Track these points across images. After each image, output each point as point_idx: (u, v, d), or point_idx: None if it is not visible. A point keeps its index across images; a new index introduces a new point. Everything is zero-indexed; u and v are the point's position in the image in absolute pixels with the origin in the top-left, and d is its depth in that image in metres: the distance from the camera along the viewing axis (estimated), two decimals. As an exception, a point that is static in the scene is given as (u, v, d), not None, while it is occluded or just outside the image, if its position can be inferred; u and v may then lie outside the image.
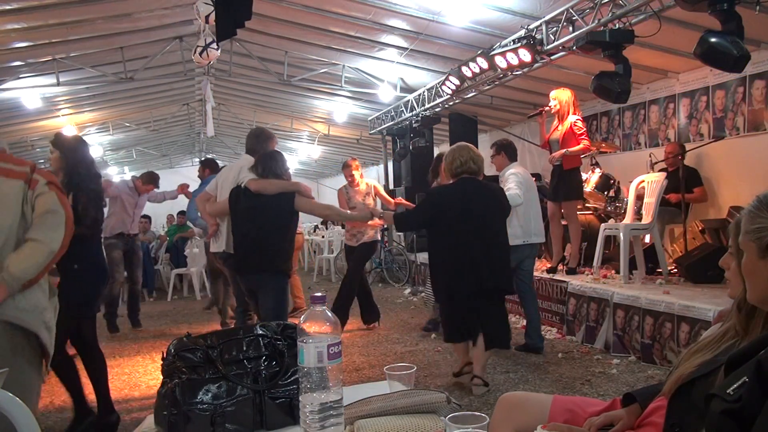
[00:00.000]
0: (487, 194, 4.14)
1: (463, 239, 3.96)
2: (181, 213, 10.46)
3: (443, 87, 7.61)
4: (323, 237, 12.09)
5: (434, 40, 6.89)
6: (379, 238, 6.42)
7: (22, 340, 2.18)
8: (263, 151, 4.14)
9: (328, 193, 19.69)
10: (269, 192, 3.83)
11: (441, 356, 5.18)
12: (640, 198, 5.85)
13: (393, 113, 9.92)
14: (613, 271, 5.82)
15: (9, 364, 2.00)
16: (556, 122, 5.90)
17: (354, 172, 6.24)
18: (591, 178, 6.52)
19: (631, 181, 6.02)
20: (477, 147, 10.30)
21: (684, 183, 5.67)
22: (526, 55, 5.81)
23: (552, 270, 6.10)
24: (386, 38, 7.14)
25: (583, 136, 5.67)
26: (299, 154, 16.14)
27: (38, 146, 11.59)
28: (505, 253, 4.22)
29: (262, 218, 3.82)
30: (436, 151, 11.58)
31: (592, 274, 5.86)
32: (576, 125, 5.67)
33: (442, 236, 4.07)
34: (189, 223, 9.16)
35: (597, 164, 6.71)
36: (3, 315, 2.10)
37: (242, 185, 3.89)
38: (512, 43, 5.95)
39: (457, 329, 4.17)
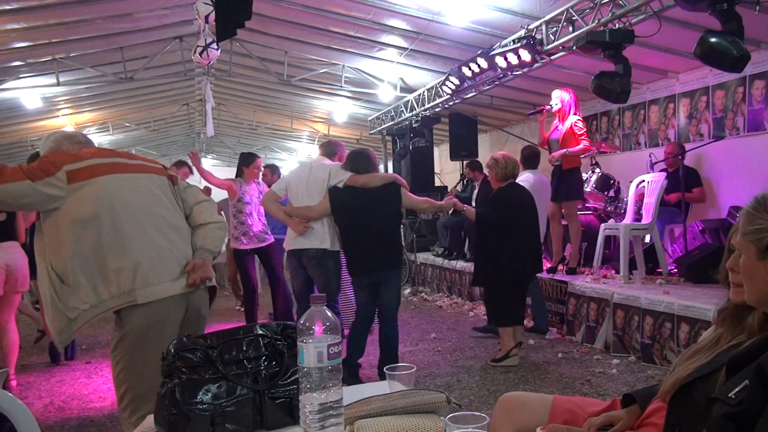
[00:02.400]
0: (530, 195, 4.93)
1: (525, 231, 4.73)
2: None
3: (443, 87, 7.60)
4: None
5: (434, 40, 6.89)
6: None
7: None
8: (331, 154, 4.60)
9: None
10: (373, 185, 4.22)
11: (441, 356, 5.18)
12: (640, 198, 5.85)
13: (393, 113, 9.91)
14: (613, 271, 5.82)
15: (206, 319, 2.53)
16: (556, 121, 5.91)
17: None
18: (591, 178, 6.53)
19: (631, 181, 6.02)
20: (477, 147, 10.34)
21: (684, 183, 5.67)
22: (526, 55, 5.81)
23: (552, 270, 6.10)
24: (386, 38, 7.14)
25: (583, 137, 5.70)
26: (299, 154, 16.13)
27: (38, 146, 11.56)
28: (540, 241, 5.21)
29: (380, 216, 4.21)
30: (436, 151, 11.63)
31: (592, 274, 5.87)
32: (576, 125, 5.69)
33: (510, 230, 4.69)
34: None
35: (597, 164, 6.71)
36: (210, 283, 2.49)
37: (340, 185, 4.23)
38: (512, 43, 5.95)
39: (521, 313, 4.86)
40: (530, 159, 5.67)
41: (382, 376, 4.11)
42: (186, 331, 2.37)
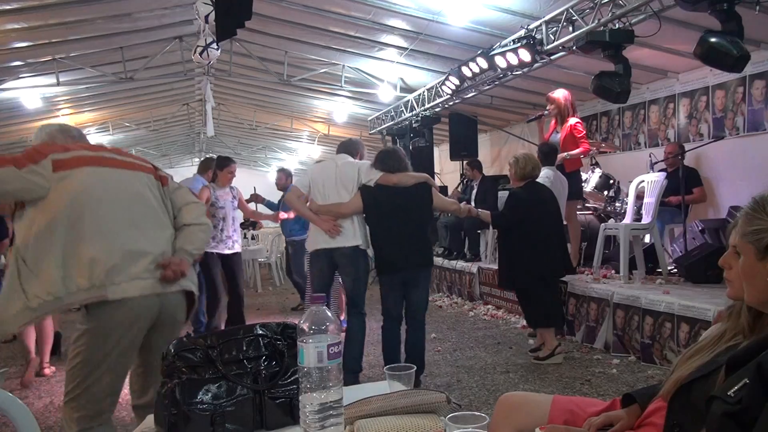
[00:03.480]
0: (551, 194, 4.95)
1: (545, 229, 4.75)
2: None
3: (443, 87, 7.61)
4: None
5: (434, 40, 6.89)
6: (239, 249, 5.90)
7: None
8: (353, 152, 4.50)
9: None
10: (406, 183, 4.20)
11: (441, 356, 5.18)
12: (640, 198, 5.85)
13: (393, 113, 9.92)
14: (612, 271, 5.82)
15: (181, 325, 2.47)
16: (553, 122, 5.94)
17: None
18: (591, 178, 6.53)
19: (631, 181, 6.02)
20: (477, 147, 10.31)
21: (684, 183, 5.67)
22: (526, 55, 5.81)
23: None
24: (386, 38, 7.14)
25: (582, 139, 5.73)
26: (299, 154, 16.14)
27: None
28: (565, 240, 5.27)
29: (413, 215, 4.20)
30: (436, 151, 11.62)
31: (592, 274, 5.87)
32: (576, 128, 5.75)
33: (529, 229, 4.69)
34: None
35: (597, 164, 6.72)
36: (186, 286, 2.41)
37: (371, 184, 4.19)
38: (512, 43, 5.96)
39: (557, 312, 4.92)
40: (549, 155, 5.68)
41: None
42: (160, 335, 2.33)
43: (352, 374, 4.18)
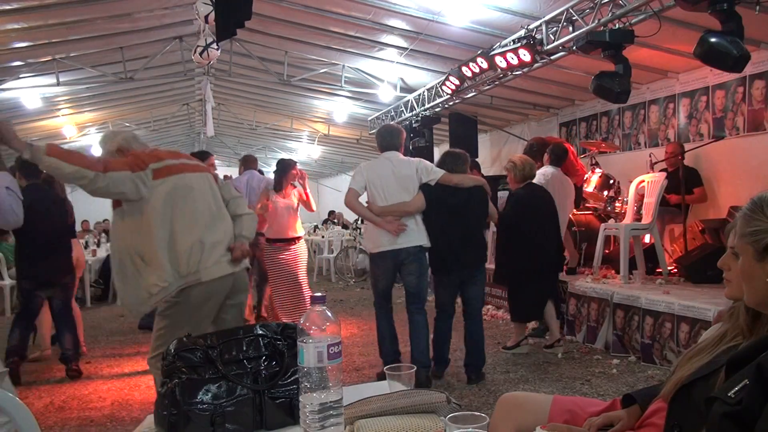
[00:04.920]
0: (548, 194, 5.10)
1: (542, 229, 4.89)
2: None
3: (443, 87, 7.61)
4: (323, 237, 12.08)
5: (434, 40, 6.89)
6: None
7: None
8: (399, 145, 4.49)
9: (327, 192, 19.70)
10: (466, 185, 4.34)
11: (441, 356, 5.17)
12: (640, 198, 5.85)
13: (393, 113, 9.91)
14: (612, 271, 5.82)
15: (246, 293, 3.12)
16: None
17: None
18: (591, 178, 6.53)
19: (631, 181, 6.02)
20: (477, 147, 10.33)
21: (684, 183, 5.67)
22: (526, 55, 5.81)
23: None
24: (386, 38, 7.14)
25: (578, 164, 6.15)
26: (299, 154, 16.13)
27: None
28: (561, 238, 5.39)
29: (472, 215, 4.34)
30: (436, 151, 11.61)
31: (592, 274, 5.87)
32: (573, 154, 5.92)
33: (527, 228, 4.83)
34: None
35: (597, 164, 6.72)
36: (246, 265, 2.99)
37: (432, 183, 4.28)
38: (512, 43, 5.96)
39: (538, 307, 4.98)
40: (561, 158, 5.73)
41: (470, 373, 4.32)
42: (231, 301, 2.92)
43: (423, 368, 4.15)
